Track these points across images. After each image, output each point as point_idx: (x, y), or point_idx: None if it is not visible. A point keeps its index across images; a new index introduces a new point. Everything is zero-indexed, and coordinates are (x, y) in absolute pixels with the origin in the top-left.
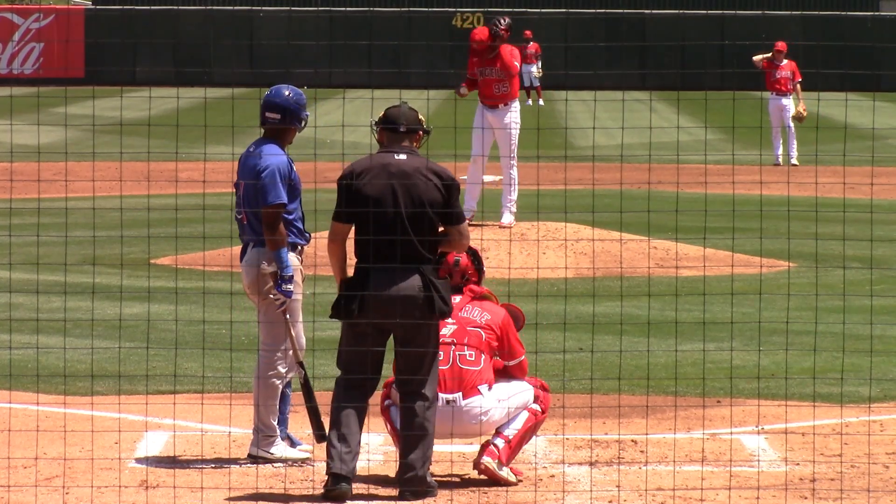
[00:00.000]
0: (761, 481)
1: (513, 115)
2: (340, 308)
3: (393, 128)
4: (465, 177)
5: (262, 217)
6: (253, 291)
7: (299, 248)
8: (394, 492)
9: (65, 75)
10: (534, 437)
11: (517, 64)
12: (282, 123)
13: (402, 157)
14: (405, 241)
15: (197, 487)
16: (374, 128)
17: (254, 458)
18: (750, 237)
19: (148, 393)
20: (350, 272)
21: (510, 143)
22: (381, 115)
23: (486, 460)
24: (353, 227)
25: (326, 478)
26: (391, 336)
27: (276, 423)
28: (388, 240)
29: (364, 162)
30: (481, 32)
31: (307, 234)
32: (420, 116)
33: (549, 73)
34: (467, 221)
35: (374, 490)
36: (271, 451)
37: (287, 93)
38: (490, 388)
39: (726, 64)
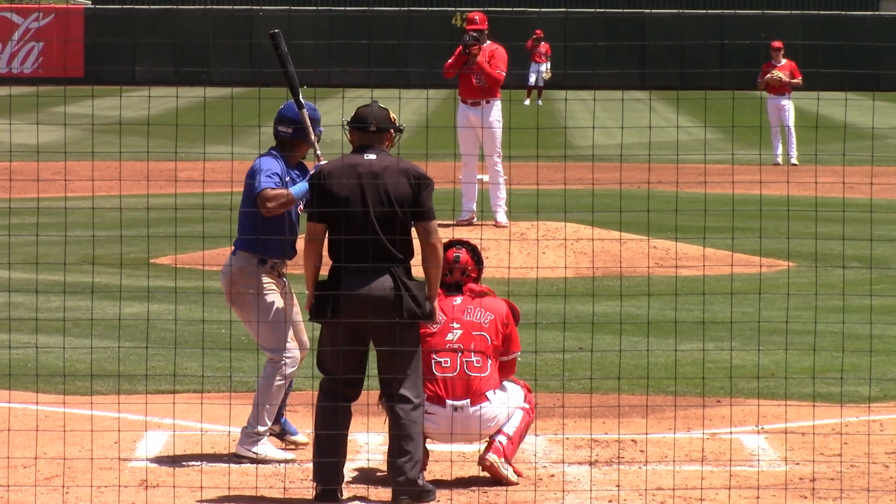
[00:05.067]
0: (761, 481)
1: (496, 113)
2: (315, 310)
3: (363, 127)
4: (461, 177)
5: (260, 209)
6: (230, 300)
7: (271, 263)
8: (391, 493)
9: (64, 75)
10: (533, 437)
11: (501, 72)
12: (292, 137)
13: (372, 156)
14: (375, 241)
15: (197, 487)
16: (346, 128)
17: (238, 457)
18: (749, 237)
19: (147, 392)
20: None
21: (494, 142)
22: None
23: (492, 457)
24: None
25: (315, 484)
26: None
27: (269, 425)
28: (358, 240)
29: (334, 163)
30: (477, 19)
31: (289, 252)
32: (392, 115)
33: (551, 72)
34: (438, 223)
35: (373, 490)
36: (254, 450)
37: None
38: (495, 392)
39: (726, 63)
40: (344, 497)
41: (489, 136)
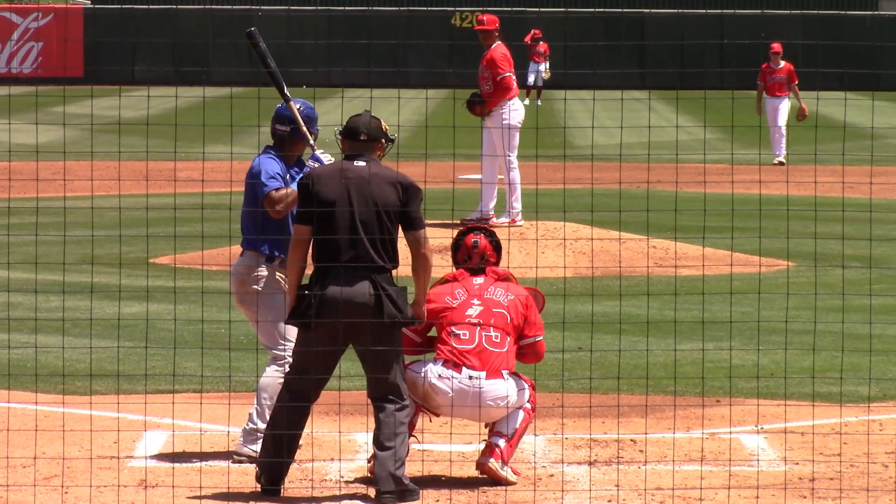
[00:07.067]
0: (760, 481)
1: (504, 115)
2: (294, 312)
3: (353, 136)
4: (480, 176)
5: (269, 211)
6: (239, 300)
7: (278, 260)
8: None
9: (63, 74)
10: (532, 437)
11: (505, 73)
12: (290, 135)
13: (361, 163)
14: (359, 245)
15: (196, 487)
16: (338, 137)
17: (238, 456)
18: (749, 236)
19: (147, 392)
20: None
21: (490, 145)
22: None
23: (491, 461)
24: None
25: (257, 474)
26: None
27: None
28: (341, 244)
29: (324, 167)
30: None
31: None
32: (384, 126)
33: (550, 71)
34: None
35: (372, 490)
36: (254, 448)
37: (298, 107)
38: (510, 375)
39: (725, 63)
40: (342, 494)
41: (497, 139)
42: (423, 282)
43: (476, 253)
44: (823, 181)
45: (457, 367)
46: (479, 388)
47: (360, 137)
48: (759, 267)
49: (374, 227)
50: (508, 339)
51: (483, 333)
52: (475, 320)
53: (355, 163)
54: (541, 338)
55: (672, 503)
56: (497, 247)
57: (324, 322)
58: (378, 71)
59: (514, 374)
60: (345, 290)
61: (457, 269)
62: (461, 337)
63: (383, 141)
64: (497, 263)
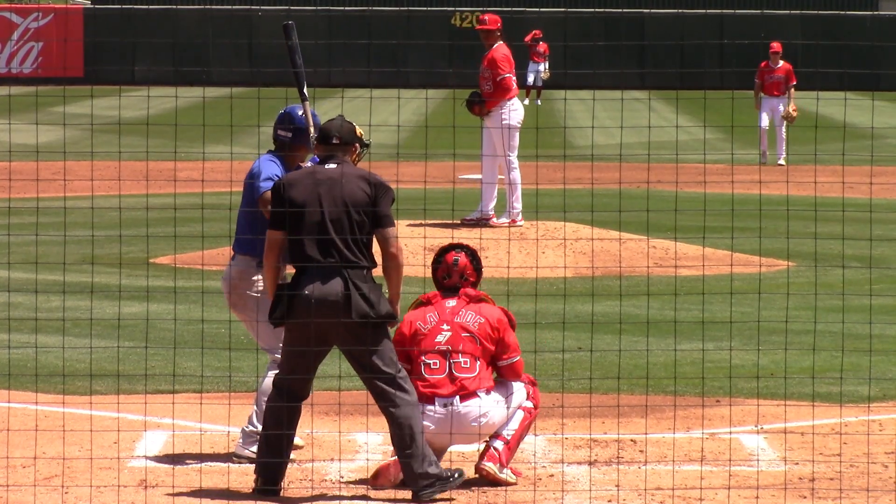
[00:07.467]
0: (760, 481)
1: (503, 115)
2: (271, 312)
3: (325, 140)
4: (480, 176)
5: (264, 212)
6: (232, 304)
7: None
8: (390, 493)
9: (63, 74)
10: (532, 437)
11: (506, 73)
12: (292, 141)
13: (332, 166)
14: (330, 245)
15: (196, 487)
16: (313, 143)
17: (238, 457)
18: (749, 237)
19: (147, 392)
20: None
21: (501, 145)
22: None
23: (488, 465)
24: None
25: (255, 476)
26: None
27: None
28: (313, 245)
29: (295, 172)
30: (489, 21)
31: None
32: (358, 131)
33: (549, 72)
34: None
35: (372, 490)
36: (253, 449)
37: (301, 113)
38: (488, 392)
39: (725, 63)
40: (342, 494)
41: (497, 139)
42: (394, 281)
43: (456, 271)
44: (823, 181)
45: (429, 399)
46: (456, 409)
47: (332, 141)
48: (759, 267)
49: (345, 225)
50: (479, 362)
51: (452, 361)
52: (444, 347)
53: (326, 165)
54: (517, 359)
55: (672, 503)
56: (478, 267)
57: (296, 321)
58: (378, 71)
59: (495, 386)
60: (316, 289)
61: (436, 286)
62: (432, 367)
63: (357, 145)
64: (476, 283)
